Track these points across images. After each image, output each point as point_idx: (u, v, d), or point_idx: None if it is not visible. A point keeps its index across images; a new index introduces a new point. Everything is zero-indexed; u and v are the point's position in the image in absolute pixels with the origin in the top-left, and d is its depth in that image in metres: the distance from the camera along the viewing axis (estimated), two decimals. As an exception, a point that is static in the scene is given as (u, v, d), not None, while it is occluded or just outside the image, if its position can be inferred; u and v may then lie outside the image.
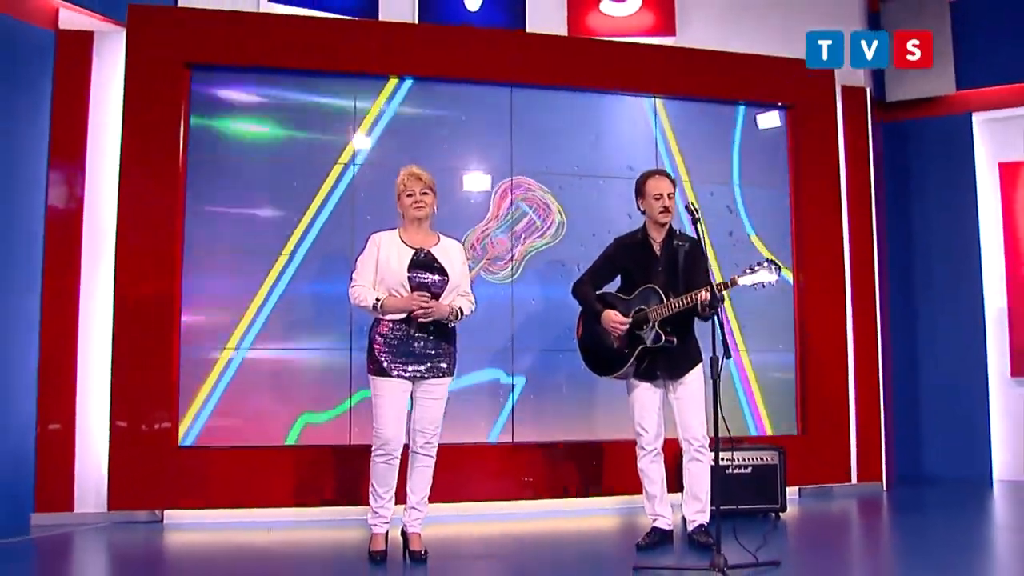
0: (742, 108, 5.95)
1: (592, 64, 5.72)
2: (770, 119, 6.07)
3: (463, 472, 5.22)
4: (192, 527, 4.89)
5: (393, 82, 5.44)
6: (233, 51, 5.22)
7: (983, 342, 6.54)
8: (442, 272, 4.10)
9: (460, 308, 4.13)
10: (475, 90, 5.57)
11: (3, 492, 4.79)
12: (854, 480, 5.93)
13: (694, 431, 4.31)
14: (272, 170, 5.27)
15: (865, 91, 6.22)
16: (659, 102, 5.84)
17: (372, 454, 4.07)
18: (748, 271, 4.12)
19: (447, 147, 5.51)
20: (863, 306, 6.09)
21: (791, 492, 5.67)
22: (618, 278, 4.53)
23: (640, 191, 4.44)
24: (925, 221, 6.81)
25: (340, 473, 5.06)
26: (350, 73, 5.40)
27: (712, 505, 4.33)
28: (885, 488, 5.99)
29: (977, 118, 6.61)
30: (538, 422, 5.46)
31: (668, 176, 4.43)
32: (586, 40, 5.90)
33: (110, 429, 4.89)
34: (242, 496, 4.99)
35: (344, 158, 5.34)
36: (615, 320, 4.32)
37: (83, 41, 5.08)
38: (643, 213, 4.45)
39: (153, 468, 4.90)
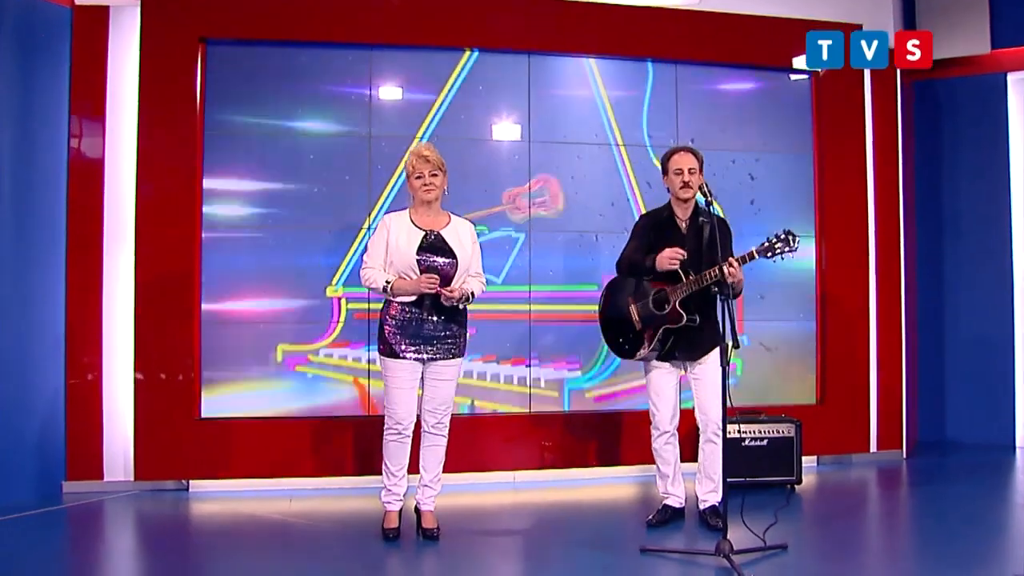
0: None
1: (609, 30, 5.60)
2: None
3: (483, 441, 5.35)
4: (217, 496, 5.04)
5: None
6: (248, 25, 5.19)
7: (1011, 306, 6.43)
8: (451, 255, 4.10)
9: (471, 291, 4.15)
10: (491, 58, 5.50)
11: (36, 461, 4.96)
12: (874, 448, 5.91)
13: (711, 414, 4.30)
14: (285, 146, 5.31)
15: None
16: (679, 68, 5.73)
17: (384, 432, 4.15)
18: (765, 243, 4.05)
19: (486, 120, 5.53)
20: (887, 273, 5.98)
21: (809, 461, 5.71)
22: None
23: (663, 167, 4.39)
24: (955, 183, 6.67)
25: (359, 444, 5.15)
26: (369, 45, 5.36)
27: (727, 476, 4.43)
28: (905, 455, 5.97)
29: (1012, 78, 6.39)
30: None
31: (692, 152, 4.34)
32: (602, 5, 5.71)
33: (134, 402, 5.02)
34: (263, 467, 5.13)
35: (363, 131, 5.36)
36: (670, 255, 4.19)
37: (99, 16, 5.07)
38: (668, 190, 4.41)
39: (176, 440, 5.04)
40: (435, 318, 4.09)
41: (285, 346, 5.22)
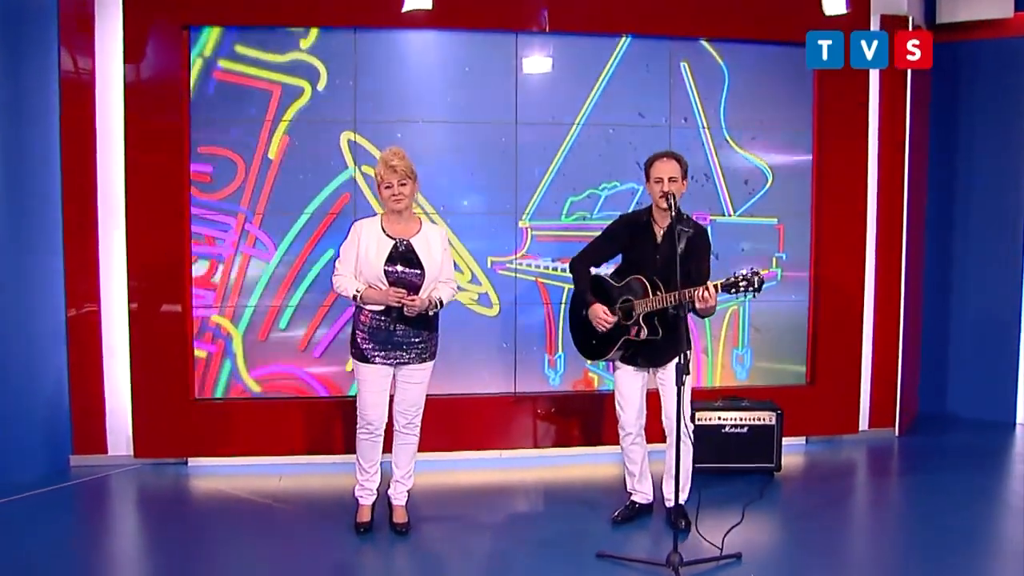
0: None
1: (602, 6, 5.46)
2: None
3: (470, 421, 5.51)
4: (213, 472, 5.26)
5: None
6: (232, 12, 5.19)
7: (1020, 281, 6.30)
8: (419, 265, 4.16)
9: (440, 298, 4.21)
10: (480, 37, 5.42)
11: (45, 437, 5.23)
12: (866, 427, 5.91)
13: (674, 421, 4.32)
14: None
15: (907, 20, 5.74)
16: (675, 44, 5.57)
17: (356, 431, 4.30)
18: (733, 277, 3.97)
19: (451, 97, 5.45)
20: (888, 248, 5.87)
21: (799, 441, 5.77)
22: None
23: (646, 173, 4.32)
24: (971, 150, 6.46)
25: (347, 423, 5.26)
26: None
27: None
28: (898, 434, 5.96)
29: (1036, 43, 6.11)
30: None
31: (676, 158, 4.26)
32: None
33: (131, 383, 5.24)
34: (255, 445, 5.34)
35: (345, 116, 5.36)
36: (600, 317, 4.30)
37: (84, 2, 5.08)
38: (650, 196, 4.36)
39: (171, 420, 5.26)
40: (406, 325, 4.18)
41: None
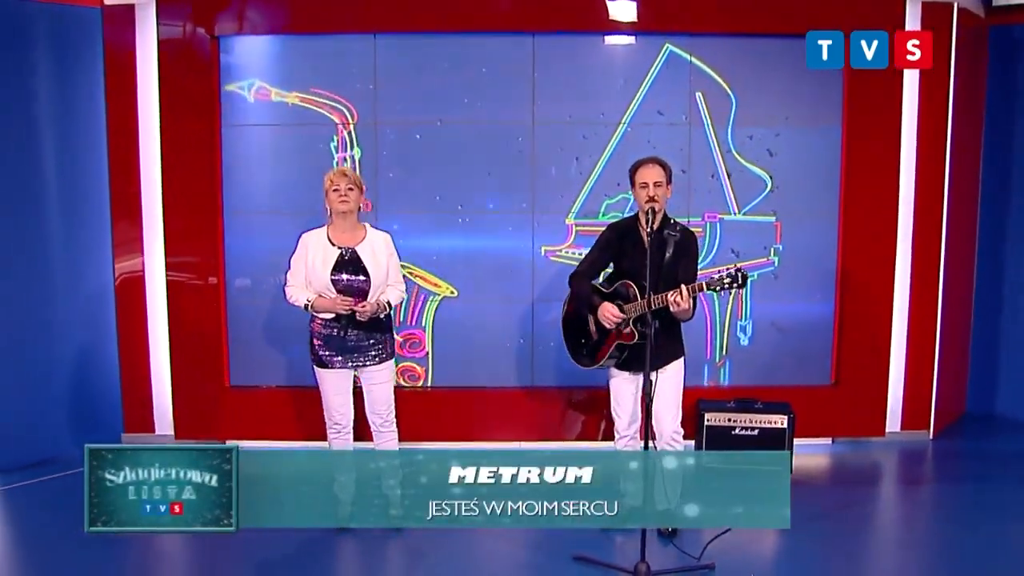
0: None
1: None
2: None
3: (484, 412, 5.68)
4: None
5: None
6: (260, 22, 5.43)
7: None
8: (365, 272, 4.35)
9: (388, 301, 4.42)
10: (495, 40, 5.50)
11: (100, 415, 5.72)
12: (897, 428, 5.77)
13: (664, 424, 4.36)
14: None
15: (952, 7, 5.47)
16: (695, 41, 5.50)
17: (327, 432, 4.56)
18: (716, 275, 4.04)
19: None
20: (925, 241, 5.66)
21: (823, 442, 5.71)
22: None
23: (630, 179, 4.36)
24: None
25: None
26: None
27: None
28: (932, 436, 5.78)
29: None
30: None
31: (660, 163, 4.28)
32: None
33: (171, 370, 5.64)
34: (283, 430, 5.65)
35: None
36: (609, 315, 4.30)
37: (126, 14, 5.40)
38: (636, 202, 4.39)
39: (208, 405, 5.64)
40: (358, 330, 4.38)
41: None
